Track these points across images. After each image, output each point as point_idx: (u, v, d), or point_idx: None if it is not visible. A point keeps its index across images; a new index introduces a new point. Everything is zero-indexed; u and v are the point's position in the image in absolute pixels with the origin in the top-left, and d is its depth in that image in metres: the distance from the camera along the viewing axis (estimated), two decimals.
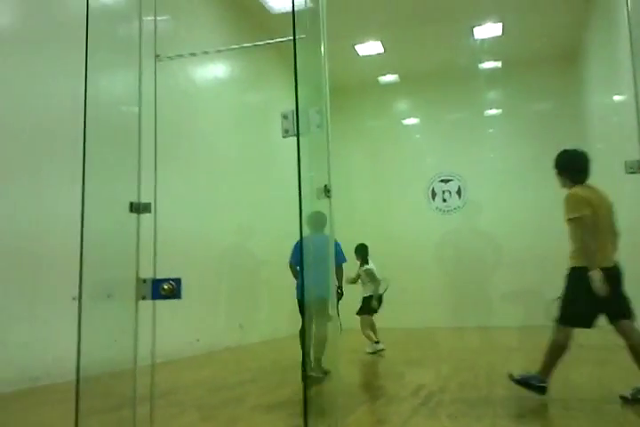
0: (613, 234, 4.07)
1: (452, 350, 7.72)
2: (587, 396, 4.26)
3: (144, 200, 2.75)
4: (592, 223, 3.93)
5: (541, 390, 3.91)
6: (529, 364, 6.00)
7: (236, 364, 5.90)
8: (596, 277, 3.79)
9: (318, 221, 6.06)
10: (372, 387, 4.85)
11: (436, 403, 3.99)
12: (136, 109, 2.94)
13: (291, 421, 3.43)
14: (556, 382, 4.79)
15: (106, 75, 3.06)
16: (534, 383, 3.95)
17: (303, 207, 2.52)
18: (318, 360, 4.81)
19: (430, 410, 3.77)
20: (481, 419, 3.48)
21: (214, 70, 9.03)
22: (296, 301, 5.19)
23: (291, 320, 5.28)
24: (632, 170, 2.28)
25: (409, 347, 8.26)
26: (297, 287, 5.56)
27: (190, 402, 4.37)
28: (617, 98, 8.69)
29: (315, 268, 5.17)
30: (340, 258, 5.98)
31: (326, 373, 4.65)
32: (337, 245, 6.14)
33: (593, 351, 6.87)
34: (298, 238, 4.66)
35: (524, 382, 4.00)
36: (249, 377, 5.66)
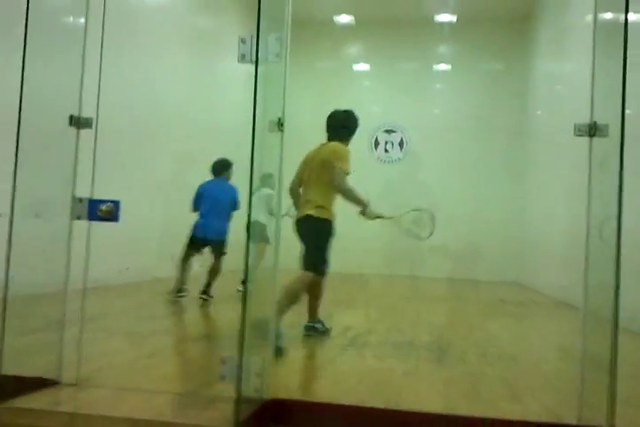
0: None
1: (381, 296, 7.95)
2: (503, 345, 4.48)
3: (85, 115, 2.60)
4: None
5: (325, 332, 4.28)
6: (452, 313, 6.29)
7: (165, 295, 5.85)
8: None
9: (222, 166, 6.14)
10: (301, 326, 4.94)
11: (363, 344, 4.11)
12: (82, 20, 2.74)
13: (222, 351, 3.46)
14: (476, 332, 5.03)
15: None
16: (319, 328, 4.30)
17: (255, 140, 2.44)
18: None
19: (357, 350, 3.88)
20: (405, 360, 3.62)
21: None
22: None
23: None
24: (580, 133, 2.31)
25: (341, 290, 8.42)
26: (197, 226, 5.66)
27: (118, 328, 4.33)
28: (564, 63, 8.82)
29: (213, 212, 5.53)
30: (235, 205, 5.95)
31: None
32: (233, 190, 6.09)
33: (511, 306, 7.24)
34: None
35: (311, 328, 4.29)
36: (178, 309, 5.66)
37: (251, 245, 2.39)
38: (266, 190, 7.02)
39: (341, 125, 4.53)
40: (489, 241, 10.73)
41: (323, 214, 4.24)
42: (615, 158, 2.00)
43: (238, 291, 6.41)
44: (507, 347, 4.36)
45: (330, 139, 4.49)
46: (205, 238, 5.92)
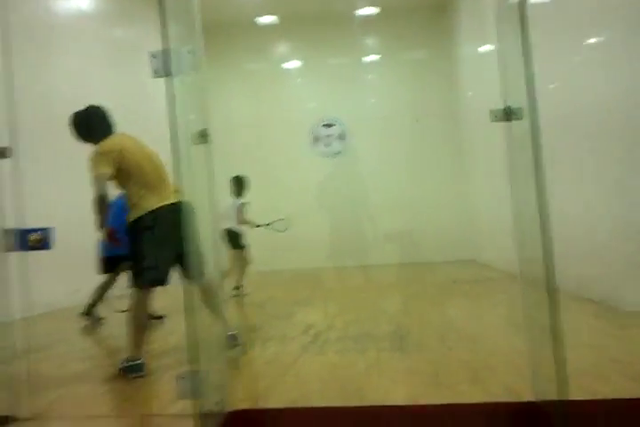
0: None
1: (337, 290, 7.99)
2: (461, 327, 4.57)
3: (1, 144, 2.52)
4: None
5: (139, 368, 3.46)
6: (408, 299, 6.38)
7: (120, 314, 5.74)
8: None
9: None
10: (262, 329, 4.93)
11: (324, 341, 4.13)
12: None
13: (179, 367, 3.42)
14: (433, 316, 5.11)
15: None
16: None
17: (180, 153, 2.41)
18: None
19: (319, 347, 3.90)
20: (366, 353, 3.65)
21: (77, 1, 8.29)
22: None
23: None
24: (497, 118, 2.37)
25: (297, 288, 8.44)
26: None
27: (73, 354, 4.22)
28: (483, 48, 9.05)
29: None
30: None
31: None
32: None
33: (466, 285, 7.38)
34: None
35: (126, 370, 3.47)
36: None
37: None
38: (237, 200, 7.17)
39: (108, 116, 3.98)
40: (439, 223, 10.96)
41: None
42: (530, 140, 2.06)
43: (233, 296, 7.08)
44: (465, 328, 4.45)
45: (111, 131, 3.90)
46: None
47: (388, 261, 10.38)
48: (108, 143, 3.72)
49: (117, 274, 5.72)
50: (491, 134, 8.07)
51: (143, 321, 3.57)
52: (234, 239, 7.33)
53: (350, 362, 3.48)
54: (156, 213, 3.57)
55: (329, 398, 2.79)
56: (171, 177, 3.73)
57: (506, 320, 4.71)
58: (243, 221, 7.33)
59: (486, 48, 8.89)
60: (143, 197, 3.63)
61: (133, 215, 3.61)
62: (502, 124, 2.38)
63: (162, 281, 3.61)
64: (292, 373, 3.30)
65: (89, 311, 5.70)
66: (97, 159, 3.63)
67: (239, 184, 7.46)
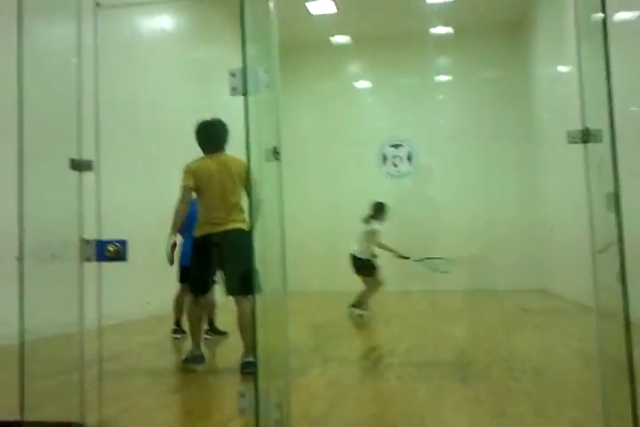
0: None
1: (400, 314, 7.87)
2: (528, 357, 4.40)
3: (86, 157, 2.62)
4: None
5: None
6: (474, 327, 6.20)
7: (186, 327, 5.85)
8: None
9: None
10: (322, 350, 4.89)
11: (386, 366, 4.06)
12: (75, 62, 2.77)
13: (242, 383, 3.43)
14: (499, 345, 4.95)
15: (42, 24, 2.86)
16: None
17: (252, 169, 2.45)
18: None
19: (380, 372, 3.84)
20: (428, 381, 3.56)
21: (161, 22, 8.66)
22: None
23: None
24: (574, 139, 2.29)
25: None
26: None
27: (140, 366, 4.32)
28: (562, 68, 8.81)
29: None
30: None
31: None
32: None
33: (535, 315, 7.13)
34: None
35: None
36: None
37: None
38: (367, 226, 7.04)
39: (222, 133, 4.29)
40: (508, 250, 10.61)
41: (248, 228, 3.80)
42: (609, 163, 1.97)
43: (358, 315, 6.98)
44: (531, 359, 4.28)
45: (216, 150, 4.21)
46: None
47: (454, 286, 10.12)
48: (193, 161, 4.19)
49: None
50: (567, 157, 7.84)
51: (193, 321, 4.16)
52: (355, 265, 7.24)
53: (412, 389, 3.40)
54: (202, 239, 4.04)
55: (389, 424, 2.72)
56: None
57: (576, 353, 4.50)
58: (378, 246, 7.19)
59: (564, 68, 8.67)
60: (200, 220, 4.07)
61: (196, 233, 4.10)
62: (580, 147, 2.29)
63: (198, 292, 4.16)
64: (352, 396, 3.25)
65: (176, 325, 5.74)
66: (184, 171, 4.12)
67: (375, 210, 7.43)
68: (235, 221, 3.97)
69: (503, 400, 3.04)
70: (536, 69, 10.88)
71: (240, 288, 3.82)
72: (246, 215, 3.98)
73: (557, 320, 6.65)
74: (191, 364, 4.03)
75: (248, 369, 3.59)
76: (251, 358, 3.53)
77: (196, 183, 4.05)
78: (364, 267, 7.14)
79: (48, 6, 2.83)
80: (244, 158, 2.31)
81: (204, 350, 4.26)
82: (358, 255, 7.10)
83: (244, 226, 3.94)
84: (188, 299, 4.38)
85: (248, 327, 3.76)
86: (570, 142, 2.24)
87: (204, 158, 4.19)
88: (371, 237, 7.12)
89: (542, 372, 3.80)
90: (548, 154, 9.90)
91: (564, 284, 8.92)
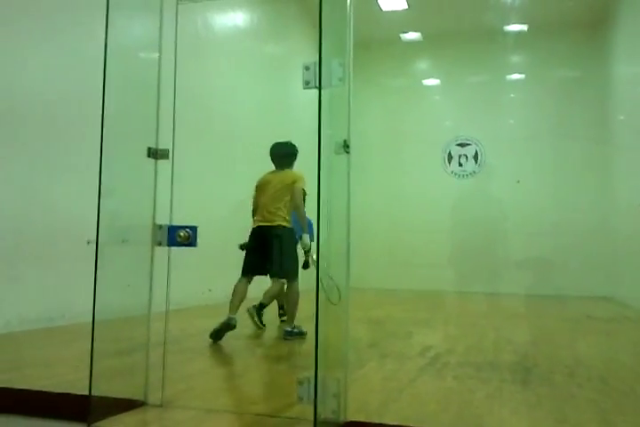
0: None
1: (459, 314, 7.77)
2: (593, 365, 4.27)
3: (162, 146, 2.73)
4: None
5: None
6: (536, 331, 6.06)
7: (246, 315, 5.96)
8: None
9: None
10: (379, 345, 4.90)
11: (443, 364, 4.03)
12: (155, 56, 2.88)
13: (300, 372, 3.48)
14: (562, 351, 4.82)
15: (124, 18, 2.97)
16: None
17: (322, 162, 2.48)
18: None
19: (437, 371, 3.80)
20: (487, 382, 3.51)
21: (234, 18, 8.84)
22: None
23: (303, 274, 5.35)
24: None
25: (418, 308, 8.32)
26: None
27: (201, 350, 4.45)
28: None
29: None
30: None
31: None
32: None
33: (600, 322, 6.89)
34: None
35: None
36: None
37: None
38: None
39: (287, 155, 5.18)
40: (575, 255, 10.26)
41: (289, 225, 4.98)
42: None
43: None
44: (596, 366, 4.15)
45: (280, 167, 5.17)
46: None
47: (517, 290, 9.89)
48: (263, 175, 5.24)
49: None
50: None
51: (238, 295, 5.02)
52: None
53: (469, 389, 3.36)
54: (252, 232, 5.14)
55: (445, 422, 2.71)
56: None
57: None
58: None
59: None
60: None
61: (289, 226, 5.07)
62: None
63: (248, 273, 5.07)
64: (409, 391, 3.25)
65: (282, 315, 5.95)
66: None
67: None
68: (277, 219, 4.97)
69: (566, 406, 2.97)
70: (614, 70, 10.47)
71: (282, 273, 5.02)
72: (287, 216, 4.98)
73: (624, 329, 6.42)
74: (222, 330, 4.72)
75: (287, 336, 4.83)
76: (288, 328, 4.88)
77: (256, 191, 5.17)
78: None
79: (132, 1, 2.94)
80: (313, 150, 2.34)
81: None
82: None
83: (285, 223, 4.96)
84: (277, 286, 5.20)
85: (292, 303, 4.96)
86: None
87: (271, 172, 5.19)
88: None
89: (607, 380, 3.68)
90: (621, 157, 9.52)
91: (631, 292, 8.59)
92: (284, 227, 4.95)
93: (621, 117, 9.96)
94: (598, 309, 8.38)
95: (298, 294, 5.00)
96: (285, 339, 4.86)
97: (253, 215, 5.20)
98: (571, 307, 8.79)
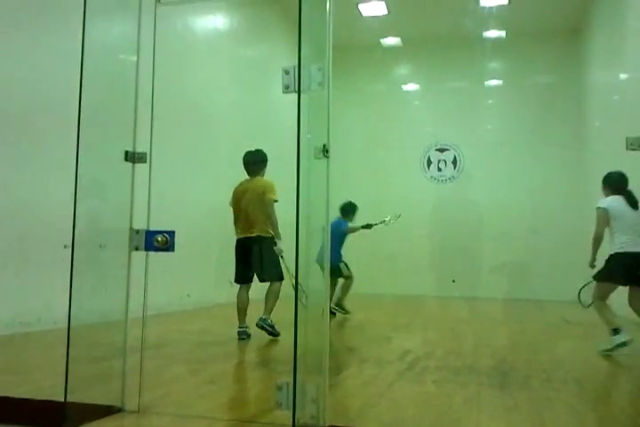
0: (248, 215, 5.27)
1: (438, 319, 7.80)
2: (570, 368, 4.31)
3: (139, 150, 2.70)
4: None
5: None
6: (514, 335, 6.10)
7: (225, 320, 5.92)
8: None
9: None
10: (359, 350, 4.90)
11: (422, 368, 4.04)
12: (133, 58, 2.85)
13: (279, 377, 3.46)
14: (540, 355, 4.86)
15: (103, 20, 2.94)
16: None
17: (301, 166, 2.47)
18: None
19: (416, 375, 3.81)
20: (465, 386, 3.52)
21: (215, 21, 8.81)
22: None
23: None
24: (633, 146, 2.24)
25: (397, 313, 8.34)
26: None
27: (179, 356, 4.40)
28: (619, 75, 8.57)
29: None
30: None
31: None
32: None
33: (577, 327, 6.97)
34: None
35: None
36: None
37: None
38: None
39: (257, 162, 5.37)
40: (551, 259, 10.38)
41: (269, 234, 5.18)
42: None
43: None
44: (573, 370, 4.19)
45: (252, 174, 5.36)
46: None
47: (495, 294, 9.97)
48: (239, 183, 5.43)
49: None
50: (616, 167, 7.63)
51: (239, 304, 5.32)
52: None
53: (448, 393, 3.37)
54: (236, 242, 5.35)
55: (423, 426, 2.71)
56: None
57: (619, 366, 4.39)
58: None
59: (620, 75, 8.44)
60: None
61: (270, 235, 5.25)
62: (628, 158, 2.24)
63: (239, 281, 5.38)
64: (388, 396, 3.25)
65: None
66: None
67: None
68: (255, 229, 5.22)
69: (543, 410, 2.99)
70: (590, 77, 10.63)
71: (267, 276, 5.28)
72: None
73: (599, 332, 6.48)
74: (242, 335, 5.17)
75: (261, 323, 5.10)
76: (264, 317, 5.12)
77: (233, 199, 5.34)
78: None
79: (110, 3, 2.92)
80: (292, 155, 2.34)
81: None
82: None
83: (263, 233, 5.17)
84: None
85: (271, 297, 5.20)
86: (629, 149, 2.20)
87: (245, 180, 5.38)
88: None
89: (584, 384, 3.72)
90: (596, 163, 9.65)
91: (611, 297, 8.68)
92: (263, 237, 5.20)
93: (597, 124, 10.10)
94: (575, 313, 8.45)
95: (278, 292, 5.24)
96: (257, 325, 5.12)
97: (235, 225, 5.38)
98: (548, 311, 8.88)
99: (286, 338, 4.58)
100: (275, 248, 5.17)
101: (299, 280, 2.55)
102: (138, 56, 2.84)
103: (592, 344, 5.63)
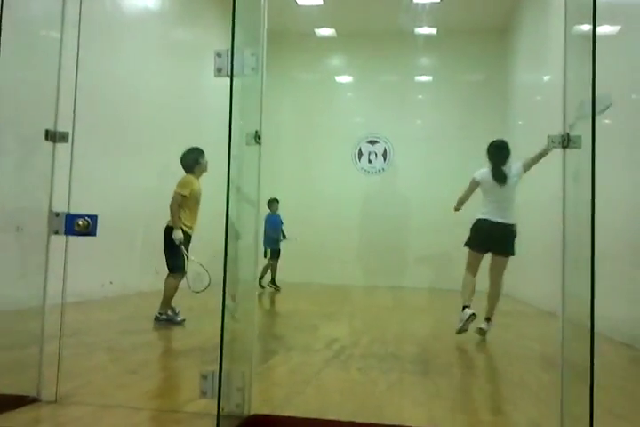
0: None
1: (365, 308, 7.93)
2: (489, 356, 4.48)
3: (62, 129, 2.57)
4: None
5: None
6: (436, 324, 6.28)
7: (148, 309, 5.80)
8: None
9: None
10: (286, 338, 4.91)
11: (348, 356, 4.09)
12: (57, 35, 2.72)
13: (203, 366, 3.42)
14: (462, 343, 5.02)
15: None
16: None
17: (232, 152, 2.43)
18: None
19: (342, 363, 3.86)
20: (388, 373, 3.60)
21: (145, 0, 8.53)
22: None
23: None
24: (554, 144, 2.34)
25: (325, 301, 8.41)
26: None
27: (99, 344, 4.27)
28: (543, 76, 8.92)
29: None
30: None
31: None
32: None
33: (499, 317, 7.22)
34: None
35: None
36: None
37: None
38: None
39: (186, 160, 5.55)
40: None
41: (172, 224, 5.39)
42: (587, 169, 2.01)
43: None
44: (493, 358, 4.36)
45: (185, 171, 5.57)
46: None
47: (420, 284, 10.23)
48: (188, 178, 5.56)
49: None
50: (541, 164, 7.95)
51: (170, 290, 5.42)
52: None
53: (372, 380, 3.43)
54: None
55: (348, 413, 2.75)
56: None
57: (536, 354, 4.59)
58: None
59: (543, 76, 8.77)
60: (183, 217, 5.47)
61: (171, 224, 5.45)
62: (551, 155, 2.33)
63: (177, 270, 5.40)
64: (314, 384, 3.27)
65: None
66: (186, 184, 5.48)
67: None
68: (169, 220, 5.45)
69: (463, 396, 3.10)
70: (515, 76, 11.00)
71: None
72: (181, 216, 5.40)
73: (519, 323, 6.77)
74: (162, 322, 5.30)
75: (156, 321, 5.28)
76: (157, 314, 5.34)
77: None
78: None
79: None
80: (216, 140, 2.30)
81: None
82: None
83: (170, 223, 5.39)
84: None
85: (165, 293, 5.32)
86: (550, 147, 2.28)
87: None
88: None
89: (503, 371, 3.88)
90: (519, 159, 10.01)
91: (529, 290, 9.06)
92: (169, 226, 5.41)
93: (520, 122, 10.47)
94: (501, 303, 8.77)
95: (171, 285, 5.32)
96: (155, 319, 5.31)
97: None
98: (472, 301, 9.15)
99: (212, 327, 4.54)
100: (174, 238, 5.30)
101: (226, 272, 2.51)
102: (62, 33, 2.70)
103: (510, 333, 5.88)
